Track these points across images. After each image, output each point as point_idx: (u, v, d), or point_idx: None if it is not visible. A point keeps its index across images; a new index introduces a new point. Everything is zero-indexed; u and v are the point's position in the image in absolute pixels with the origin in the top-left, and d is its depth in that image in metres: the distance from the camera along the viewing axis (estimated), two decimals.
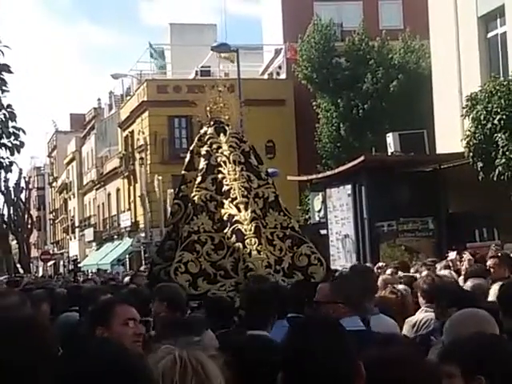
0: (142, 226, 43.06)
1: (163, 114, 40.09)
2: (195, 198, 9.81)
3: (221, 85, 10.94)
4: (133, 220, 45.80)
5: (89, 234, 58.76)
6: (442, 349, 3.56)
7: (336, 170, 21.18)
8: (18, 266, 63.84)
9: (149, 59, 45.83)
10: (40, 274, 62.39)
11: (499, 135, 16.86)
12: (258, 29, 47.15)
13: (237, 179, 9.93)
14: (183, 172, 10.56)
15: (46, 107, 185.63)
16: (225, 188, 9.88)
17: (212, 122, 10.56)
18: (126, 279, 18.32)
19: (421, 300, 6.95)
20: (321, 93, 33.91)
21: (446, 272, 9.68)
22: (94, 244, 57.65)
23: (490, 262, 9.02)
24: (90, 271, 41.64)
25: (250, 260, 9.16)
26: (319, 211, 24.49)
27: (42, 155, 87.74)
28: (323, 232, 21.54)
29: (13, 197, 66.41)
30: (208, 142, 10.34)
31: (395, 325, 6.38)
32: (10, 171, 15.20)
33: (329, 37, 33.66)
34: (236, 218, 9.55)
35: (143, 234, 40.57)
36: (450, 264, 10.84)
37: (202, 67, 44.59)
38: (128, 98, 48.15)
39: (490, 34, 19.94)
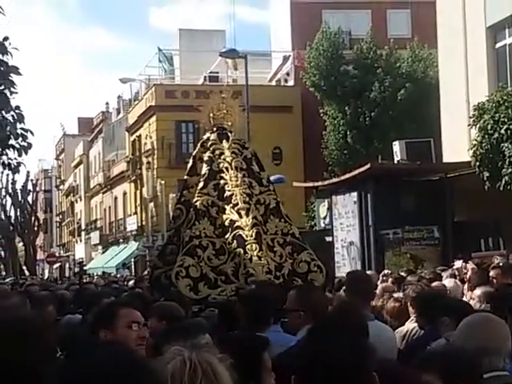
0: (147, 229, 43.15)
1: (171, 118, 40.18)
2: (197, 204, 9.87)
3: (224, 91, 10.99)
4: (139, 224, 45.86)
5: (95, 237, 58.85)
6: (421, 358, 3.58)
7: (342, 178, 21.19)
8: (24, 268, 64.00)
9: (157, 64, 45.96)
10: (46, 276, 62.52)
11: (506, 145, 16.85)
12: (267, 35, 47.28)
13: (238, 185, 9.99)
14: (185, 177, 10.64)
15: (55, 110, 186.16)
16: (226, 194, 9.94)
17: (215, 128, 10.63)
18: (131, 283, 18.42)
19: (410, 309, 6.91)
20: (328, 100, 33.94)
21: (451, 281, 9.68)
22: (99, 247, 57.72)
23: (492, 273, 9.02)
24: (95, 274, 41.68)
25: (250, 265, 9.20)
26: (325, 218, 24.51)
27: (49, 158, 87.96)
28: (328, 239, 21.54)
29: (20, 199, 66.63)
30: (210, 148, 10.41)
31: (391, 331, 6.40)
32: (18, 172, 15.25)
33: (337, 44, 33.71)
34: (237, 223, 9.61)
35: (150, 238, 40.65)
36: (456, 273, 10.83)
37: (210, 73, 44.68)
38: (136, 102, 48.28)
39: (498, 45, 19.94)
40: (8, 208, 66.25)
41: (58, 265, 68.21)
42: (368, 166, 19.02)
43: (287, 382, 3.00)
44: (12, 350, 2.49)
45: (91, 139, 64.64)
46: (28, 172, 66.41)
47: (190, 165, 10.68)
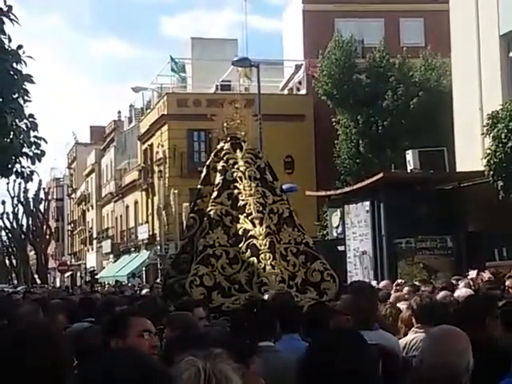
0: (159, 238, 43.15)
1: (183, 127, 40.21)
2: (211, 213, 9.92)
3: (238, 101, 11.02)
4: (150, 233, 45.88)
5: (106, 245, 58.93)
6: (416, 373, 3.58)
7: (355, 187, 21.13)
8: (36, 276, 64.18)
9: (169, 73, 46.01)
10: (57, 284, 62.65)
11: None
12: (279, 44, 47.30)
13: (252, 195, 10.05)
14: (199, 186, 10.70)
15: (67, 119, 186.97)
16: (240, 203, 10.00)
17: (228, 138, 10.65)
18: (144, 291, 18.42)
19: (413, 320, 6.90)
20: (340, 109, 33.90)
21: (467, 291, 9.59)
22: (111, 256, 57.79)
23: (508, 282, 8.94)
24: (106, 283, 41.70)
25: (264, 275, 9.26)
26: (337, 227, 24.44)
27: (61, 166, 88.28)
28: (341, 248, 21.47)
29: (32, 207, 66.87)
30: (224, 158, 10.47)
31: (395, 340, 6.36)
32: (31, 180, 15.26)
33: (349, 53, 33.69)
34: (251, 232, 9.66)
35: (158, 247, 40.65)
36: (471, 283, 10.76)
37: (222, 81, 44.72)
38: (148, 111, 48.38)
39: (511, 53, 19.86)
40: (20, 216, 66.51)
41: (69, 273, 68.38)
42: (381, 174, 18.96)
43: None
44: (33, 357, 2.47)
45: (103, 148, 64.82)
46: (40, 180, 66.73)
47: (203, 174, 10.73)
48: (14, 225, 67.00)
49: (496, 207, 17.07)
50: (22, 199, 65.73)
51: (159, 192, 43.14)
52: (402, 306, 7.67)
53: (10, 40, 13.88)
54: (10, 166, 14.44)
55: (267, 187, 10.29)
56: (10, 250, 72.16)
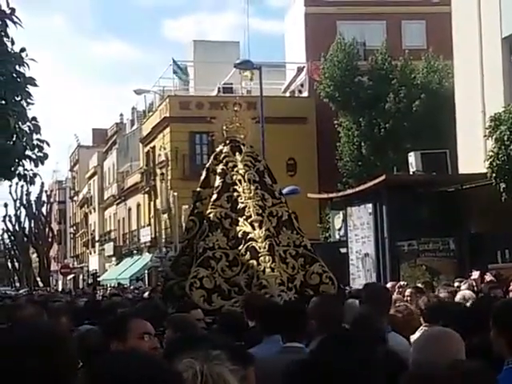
0: (159, 241, 43.19)
1: (185, 130, 40.21)
2: (210, 215, 9.99)
3: (237, 104, 11.07)
4: (153, 235, 45.89)
5: (109, 248, 58.93)
6: (408, 373, 3.60)
7: (357, 189, 21.13)
8: (38, 279, 64.20)
9: (172, 75, 46.04)
10: (60, 287, 62.66)
11: None
12: (281, 46, 47.31)
13: (251, 197, 10.12)
14: (198, 189, 10.78)
15: (69, 122, 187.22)
16: (240, 206, 10.07)
17: (228, 141, 10.69)
18: (146, 294, 18.44)
19: (421, 320, 6.95)
20: (343, 111, 33.91)
21: (467, 292, 9.59)
22: (113, 259, 57.79)
23: None
24: (108, 285, 41.71)
25: (263, 277, 9.35)
26: (339, 229, 24.45)
27: (64, 169, 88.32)
28: (343, 250, 21.47)
29: (34, 210, 66.90)
30: (224, 161, 10.54)
31: (407, 343, 6.38)
32: (34, 183, 15.26)
33: (352, 56, 33.69)
34: (250, 235, 9.74)
35: (163, 249, 40.66)
36: (474, 284, 10.77)
37: (224, 84, 44.73)
38: (150, 113, 48.40)
39: None
40: (22, 219, 66.56)
41: (71, 276, 68.33)
42: (383, 177, 18.96)
43: None
44: (38, 359, 2.48)
45: (105, 150, 64.85)
46: (42, 183, 66.72)
47: (203, 177, 10.81)
48: (17, 227, 67.06)
49: (498, 209, 17.06)
50: (25, 202, 65.77)
51: (161, 194, 43.16)
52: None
53: (13, 43, 13.90)
54: (12, 168, 14.45)
55: (266, 190, 10.37)
56: (13, 252, 72.23)
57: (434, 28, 37.60)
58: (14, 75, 13.79)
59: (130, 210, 54.09)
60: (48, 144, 14.32)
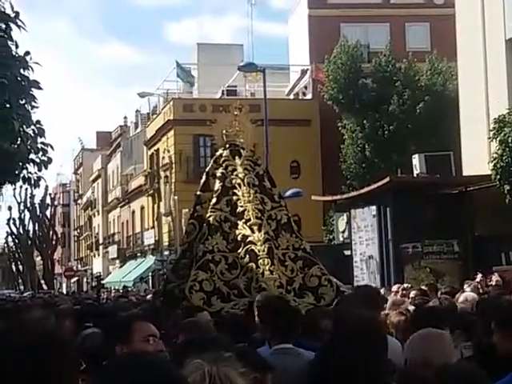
0: (165, 243, 43.19)
1: (189, 132, 40.19)
2: (210, 219, 10.10)
3: (237, 109, 11.16)
4: (156, 238, 45.90)
5: (112, 251, 58.95)
6: (402, 373, 3.63)
7: (361, 191, 21.12)
8: (42, 282, 64.24)
9: (175, 78, 46.07)
10: (64, 290, 62.70)
11: None
12: (285, 49, 47.29)
13: (251, 201, 10.23)
14: (198, 193, 10.90)
15: (73, 125, 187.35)
16: (239, 209, 10.18)
17: (228, 145, 10.80)
18: (149, 297, 18.45)
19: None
20: (346, 113, 33.90)
21: (470, 294, 9.59)
22: (117, 261, 57.81)
23: None
24: (112, 288, 41.71)
25: (262, 280, 9.44)
26: (343, 232, 24.44)
27: (68, 172, 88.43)
28: (347, 253, 21.46)
29: (38, 213, 66.94)
30: (223, 165, 10.66)
31: (398, 344, 6.38)
32: (38, 186, 15.30)
33: (355, 58, 33.69)
34: (249, 238, 9.84)
35: (166, 252, 40.67)
36: (479, 286, 10.77)
37: (228, 87, 44.75)
38: (154, 116, 48.42)
39: None
40: (26, 222, 66.62)
41: (75, 279, 68.39)
42: (387, 179, 18.95)
43: None
44: (36, 361, 2.47)
45: (109, 153, 64.89)
46: (46, 186, 66.79)
47: (202, 181, 10.93)
48: (21, 230, 67.11)
49: (503, 211, 17.05)
50: (29, 205, 65.82)
51: (165, 197, 43.16)
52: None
53: (17, 46, 13.94)
54: (17, 172, 14.48)
55: (266, 194, 10.48)
56: (17, 255, 72.30)
57: (437, 30, 37.59)
58: (19, 79, 13.82)
59: (133, 212, 54.11)
60: (52, 147, 14.35)
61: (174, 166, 41.64)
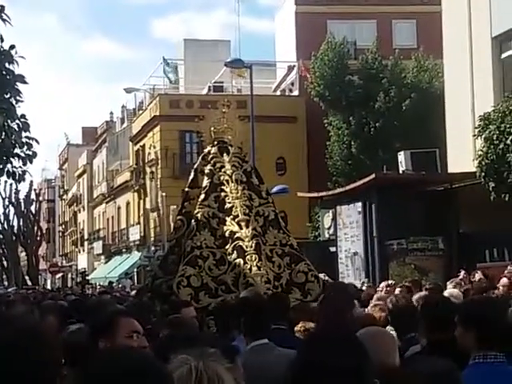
0: (151, 239, 43.13)
1: (175, 128, 40.15)
2: (198, 215, 10.20)
3: (225, 106, 11.22)
4: (142, 234, 45.83)
5: (98, 247, 58.84)
6: None
7: (347, 188, 21.14)
8: (27, 277, 63.94)
9: (162, 74, 45.97)
10: (48, 286, 62.47)
11: None
12: (272, 45, 47.28)
13: (239, 197, 10.34)
14: (186, 189, 11.01)
15: (59, 120, 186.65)
16: (227, 206, 10.30)
17: (216, 142, 10.88)
18: (133, 293, 18.44)
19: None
20: (333, 110, 33.94)
21: (454, 291, 9.62)
22: (102, 257, 57.70)
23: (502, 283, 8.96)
24: (97, 284, 41.63)
25: (250, 275, 9.55)
26: (329, 228, 24.45)
27: (53, 168, 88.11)
28: (332, 249, 21.48)
29: (23, 209, 66.58)
30: (211, 161, 10.78)
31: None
32: (23, 181, 15.22)
33: (342, 55, 33.73)
34: (237, 234, 9.95)
35: (152, 248, 40.63)
36: (463, 283, 10.81)
37: (214, 83, 44.70)
38: (140, 112, 48.32)
39: (503, 55, 19.88)
40: (11, 218, 66.26)
41: (60, 275, 68.21)
42: (372, 176, 18.98)
43: None
44: (22, 358, 2.46)
45: (95, 149, 64.71)
46: (31, 182, 66.38)
47: (191, 177, 11.04)
48: (5, 226, 66.75)
49: (487, 208, 17.10)
50: (13, 200, 65.46)
51: (151, 193, 43.09)
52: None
53: (1, 40, 13.86)
54: (1, 166, 14.41)
55: (253, 190, 10.58)
56: (1, 251, 71.93)
57: (424, 27, 37.69)
58: (3, 72, 13.75)
59: (119, 208, 54.01)
60: (37, 141, 14.30)
61: (159, 161, 41.59)
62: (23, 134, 14.13)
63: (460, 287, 10.37)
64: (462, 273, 12.66)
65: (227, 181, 10.52)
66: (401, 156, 21.01)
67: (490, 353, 4.34)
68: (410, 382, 3.60)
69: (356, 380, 2.84)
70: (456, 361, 3.99)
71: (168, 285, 9.96)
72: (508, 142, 16.90)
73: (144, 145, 45.44)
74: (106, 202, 57.74)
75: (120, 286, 33.14)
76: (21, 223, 65.71)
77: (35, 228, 67.29)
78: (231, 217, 10.14)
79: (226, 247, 9.92)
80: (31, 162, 14.33)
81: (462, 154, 20.08)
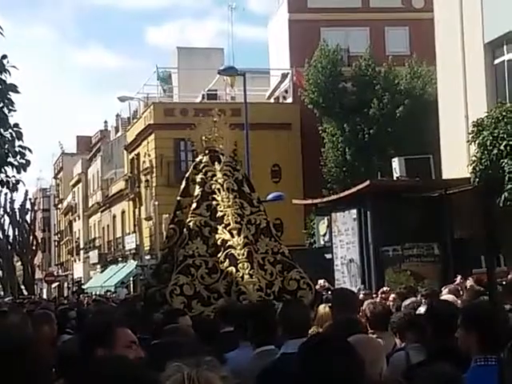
0: (146, 248, 43.05)
1: (169, 136, 40.12)
2: (190, 224, 10.24)
3: (216, 115, 11.28)
4: (137, 242, 45.75)
5: (93, 256, 58.73)
6: None
7: (341, 195, 21.15)
8: (22, 287, 63.78)
9: (156, 82, 46.01)
10: (44, 295, 62.32)
11: (505, 161, 16.82)
12: (265, 53, 47.34)
13: (230, 206, 10.39)
14: (178, 198, 11.06)
15: (53, 129, 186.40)
16: (219, 214, 10.35)
17: (207, 151, 10.92)
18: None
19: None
20: (327, 117, 33.99)
21: (450, 297, 9.62)
22: (98, 266, 57.59)
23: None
24: (93, 293, 41.54)
25: (242, 283, 9.61)
26: (324, 235, 24.47)
27: (48, 177, 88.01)
28: (328, 256, 21.48)
29: (18, 218, 66.47)
30: (203, 170, 10.84)
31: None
32: (16, 190, 15.20)
33: (335, 62, 33.79)
34: (229, 243, 9.99)
35: (147, 257, 40.56)
36: (459, 288, 10.82)
37: (208, 91, 44.74)
38: (135, 120, 48.32)
39: (496, 61, 19.96)
40: (6, 227, 66.13)
41: (56, 284, 68.02)
42: (367, 182, 19.00)
43: None
44: (4, 365, 2.45)
45: (90, 158, 64.66)
46: (26, 191, 66.35)
47: (182, 186, 11.09)
48: (1, 235, 66.63)
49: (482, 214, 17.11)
50: (8, 210, 65.36)
51: (146, 202, 43.05)
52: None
53: None
54: None
55: (245, 199, 10.64)
56: None
57: (417, 34, 37.75)
58: None
59: (114, 217, 53.93)
60: (30, 151, 14.29)
61: (154, 170, 41.56)
62: (16, 143, 14.13)
63: (457, 292, 10.37)
64: (459, 278, 12.69)
65: (219, 189, 10.59)
66: (395, 162, 21.05)
67: (491, 356, 4.36)
68: None
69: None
70: (459, 364, 4.01)
71: (161, 293, 10.00)
72: (501, 147, 16.95)
73: (139, 153, 45.42)
74: (102, 211, 57.68)
75: (115, 295, 33.10)
76: (16, 233, 65.57)
77: (30, 237, 67.16)
78: (223, 225, 10.22)
79: (218, 255, 9.98)
80: (25, 171, 14.33)
81: (456, 159, 20.13)
